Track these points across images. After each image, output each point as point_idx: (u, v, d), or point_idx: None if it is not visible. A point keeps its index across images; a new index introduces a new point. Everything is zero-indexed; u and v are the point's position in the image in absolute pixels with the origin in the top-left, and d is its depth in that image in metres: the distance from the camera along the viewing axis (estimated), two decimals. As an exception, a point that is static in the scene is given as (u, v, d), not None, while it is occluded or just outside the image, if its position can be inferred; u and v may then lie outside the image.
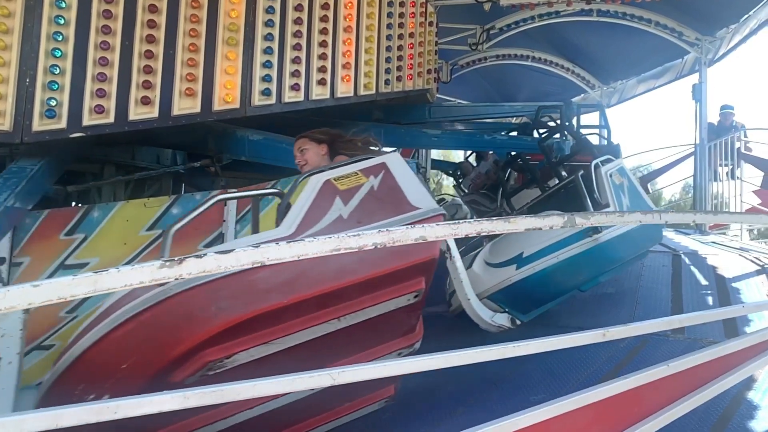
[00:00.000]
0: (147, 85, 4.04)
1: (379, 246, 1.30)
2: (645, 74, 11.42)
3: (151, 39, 4.06)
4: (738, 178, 8.88)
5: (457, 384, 3.89)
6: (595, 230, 4.18)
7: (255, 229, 3.41)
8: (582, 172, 4.70)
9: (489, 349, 1.58)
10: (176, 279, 1.19)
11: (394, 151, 5.39)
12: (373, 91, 5.50)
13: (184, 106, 4.20)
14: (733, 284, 5.24)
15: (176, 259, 1.12)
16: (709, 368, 1.93)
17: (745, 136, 9.26)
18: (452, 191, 11.66)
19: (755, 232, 9.79)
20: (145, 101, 4.03)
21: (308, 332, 2.41)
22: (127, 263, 4.34)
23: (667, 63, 10.68)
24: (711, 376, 1.93)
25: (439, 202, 11.04)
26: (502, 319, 3.94)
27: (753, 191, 9.01)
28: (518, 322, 4.03)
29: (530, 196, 6.25)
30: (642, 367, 2.12)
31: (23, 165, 3.84)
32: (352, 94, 5.26)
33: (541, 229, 1.45)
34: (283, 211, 2.79)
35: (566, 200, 4.76)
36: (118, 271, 1.15)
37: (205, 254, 1.15)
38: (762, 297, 4.93)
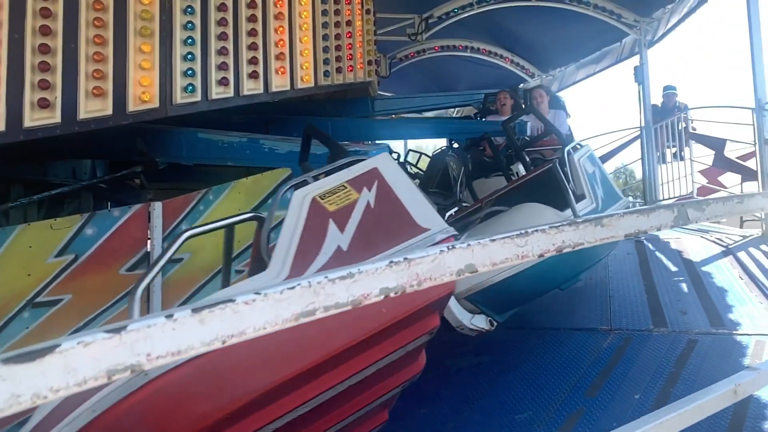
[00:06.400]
0: (44, 86, 3.40)
1: (395, 294, 0.83)
2: (584, 60, 11.33)
3: (46, 31, 3.42)
4: (689, 158, 8.81)
5: (431, 407, 3.45)
6: None
7: (227, 264, 2.81)
8: (557, 159, 4.26)
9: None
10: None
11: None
12: (312, 84, 4.99)
13: (93, 108, 3.58)
14: (703, 268, 5.02)
15: None
16: None
17: (689, 116, 9.22)
18: None
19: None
20: (43, 104, 3.39)
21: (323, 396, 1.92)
22: (35, 296, 3.69)
23: (605, 47, 10.60)
24: None
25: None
26: (481, 322, 3.56)
27: (699, 171, 8.97)
28: (495, 324, 3.64)
29: (491, 186, 5.61)
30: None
31: None
32: (288, 87, 4.73)
33: (646, 231, 1.03)
34: (265, 243, 2.25)
35: (533, 190, 4.30)
36: None
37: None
38: (735, 280, 4.71)
